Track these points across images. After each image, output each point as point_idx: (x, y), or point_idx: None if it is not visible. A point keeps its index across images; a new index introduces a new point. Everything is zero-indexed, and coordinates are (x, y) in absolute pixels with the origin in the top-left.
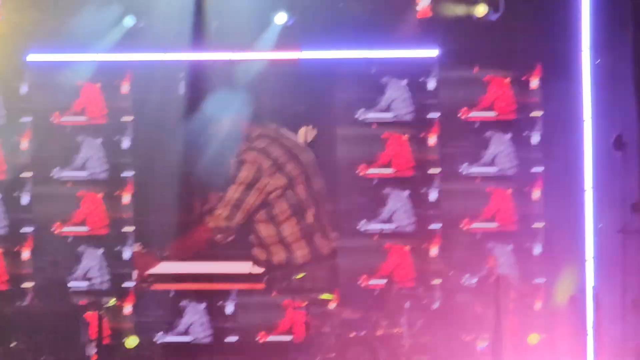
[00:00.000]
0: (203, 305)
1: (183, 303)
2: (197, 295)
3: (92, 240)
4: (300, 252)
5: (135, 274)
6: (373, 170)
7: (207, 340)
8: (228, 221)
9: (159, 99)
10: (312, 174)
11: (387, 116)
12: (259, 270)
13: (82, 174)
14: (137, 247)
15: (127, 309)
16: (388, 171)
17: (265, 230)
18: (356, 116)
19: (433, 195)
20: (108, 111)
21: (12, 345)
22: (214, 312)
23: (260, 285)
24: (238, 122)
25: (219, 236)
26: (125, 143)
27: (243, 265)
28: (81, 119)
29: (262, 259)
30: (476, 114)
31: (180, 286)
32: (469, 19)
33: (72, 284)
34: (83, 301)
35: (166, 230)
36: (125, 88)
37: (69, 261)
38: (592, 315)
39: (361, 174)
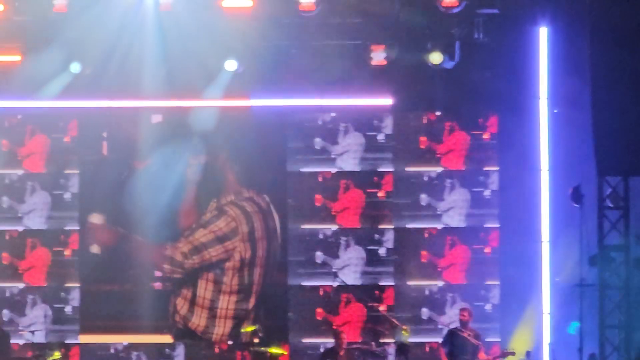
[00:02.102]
0: None
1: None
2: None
3: (35, 293)
4: (220, 330)
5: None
6: (324, 226)
7: None
8: (184, 258)
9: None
10: (273, 264)
11: (338, 167)
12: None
13: (23, 226)
14: (96, 218)
15: None
16: (336, 226)
17: (202, 289)
18: (303, 169)
19: (383, 250)
20: (52, 162)
21: None
22: None
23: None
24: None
25: (167, 266)
26: (68, 195)
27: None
28: (22, 170)
29: (181, 312)
30: (429, 167)
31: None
32: (424, 67)
33: (15, 338)
34: (28, 353)
35: (111, 290)
36: (70, 138)
37: (12, 314)
38: None
39: (310, 226)
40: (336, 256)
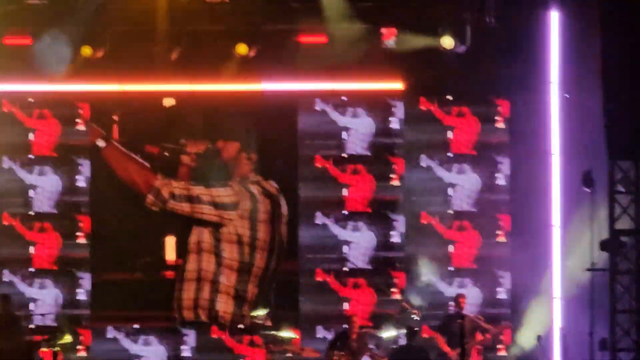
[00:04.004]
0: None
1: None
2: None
3: (45, 276)
4: (222, 307)
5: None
6: (334, 210)
7: None
8: (170, 198)
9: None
10: (279, 250)
11: (349, 151)
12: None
13: (35, 210)
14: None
15: (81, 345)
16: (347, 211)
17: (205, 262)
18: (313, 154)
19: (393, 235)
20: (62, 146)
21: None
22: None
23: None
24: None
25: (150, 197)
26: (79, 179)
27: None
28: (32, 153)
29: (189, 291)
30: (440, 152)
31: None
32: (435, 51)
33: (26, 321)
34: (37, 337)
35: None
36: (81, 122)
37: (24, 297)
38: (560, 356)
39: (320, 210)
40: (346, 240)
